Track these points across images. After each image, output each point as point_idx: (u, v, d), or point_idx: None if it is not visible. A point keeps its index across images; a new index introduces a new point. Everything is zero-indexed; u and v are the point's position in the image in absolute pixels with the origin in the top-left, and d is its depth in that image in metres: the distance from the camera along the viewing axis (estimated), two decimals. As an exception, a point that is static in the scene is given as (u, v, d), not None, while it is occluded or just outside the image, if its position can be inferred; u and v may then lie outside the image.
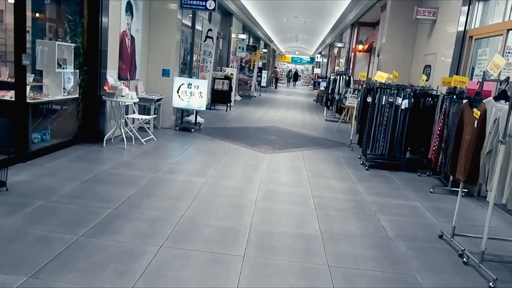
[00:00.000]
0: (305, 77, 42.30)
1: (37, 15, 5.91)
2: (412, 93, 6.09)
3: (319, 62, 33.00)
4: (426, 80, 6.55)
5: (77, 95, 6.12)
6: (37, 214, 3.44)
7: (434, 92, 6.21)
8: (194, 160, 6.08)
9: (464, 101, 4.98)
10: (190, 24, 10.00)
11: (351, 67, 14.88)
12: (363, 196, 4.88)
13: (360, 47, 14.31)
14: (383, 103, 6.12)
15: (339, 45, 17.89)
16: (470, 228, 3.99)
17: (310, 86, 34.30)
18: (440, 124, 5.18)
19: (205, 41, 10.05)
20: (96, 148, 6.01)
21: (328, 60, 26.31)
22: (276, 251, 3.20)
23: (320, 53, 32.52)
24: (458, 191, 5.27)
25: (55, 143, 5.72)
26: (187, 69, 10.11)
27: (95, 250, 2.92)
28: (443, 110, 5.18)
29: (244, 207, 4.12)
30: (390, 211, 4.40)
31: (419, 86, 6.41)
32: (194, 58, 10.60)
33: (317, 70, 32.21)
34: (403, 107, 6.04)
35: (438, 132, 5.23)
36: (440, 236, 3.77)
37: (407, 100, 6.01)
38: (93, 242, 3.03)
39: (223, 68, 14.10)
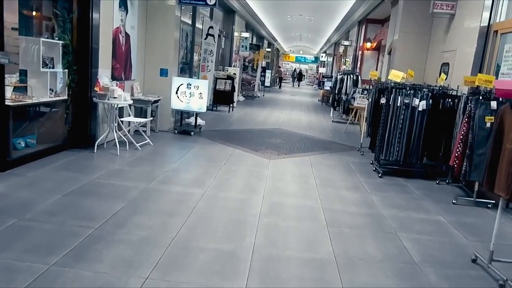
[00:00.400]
0: (309, 76, 41.77)
1: (27, 11, 5.43)
2: (430, 94, 5.58)
3: (324, 61, 32.45)
4: (445, 79, 6.02)
5: (66, 97, 5.65)
6: (5, 236, 2.96)
7: (454, 92, 5.70)
8: (192, 168, 5.59)
9: (492, 102, 4.51)
10: (190, 22, 9.53)
11: (358, 66, 14.35)
12: (380, 209, 4.37)
13: (368, 45, 13.79)
14: (398, 105, 5.61)
15: (346, 43, 17.35)
16: (506, 249, 3.47)
17: (314, 85, 33.76)
18: (464, 128, 4.66)
19: (206, 39, 9.56)
20: (87, 154, 5.54)
21: (333, 59, 25.76)
22: (283, 283, 2.70)
23: (325, 52, 31.98)
24: (484, 202, 4.83)
25: (41, 149, 5.25)
26: (188, 68, 9.63)
27: (67, 283, 2.43)
28: (467, 112, 4.66)
29: (246, 224, 3.63)
30: (412, 228, 3.88)
31: (436, 86, 5.89)
32: (195, 57, 10.13)
33: (322, 70, 31.65)
34: (420, 108, 5.53)
35: (461, 137, 4.72)
36: (474, 260, 3.25)
37: (425, 101, 5.50)
38: (66, 273, 2.54)
39: (225, 67, 13.61)
